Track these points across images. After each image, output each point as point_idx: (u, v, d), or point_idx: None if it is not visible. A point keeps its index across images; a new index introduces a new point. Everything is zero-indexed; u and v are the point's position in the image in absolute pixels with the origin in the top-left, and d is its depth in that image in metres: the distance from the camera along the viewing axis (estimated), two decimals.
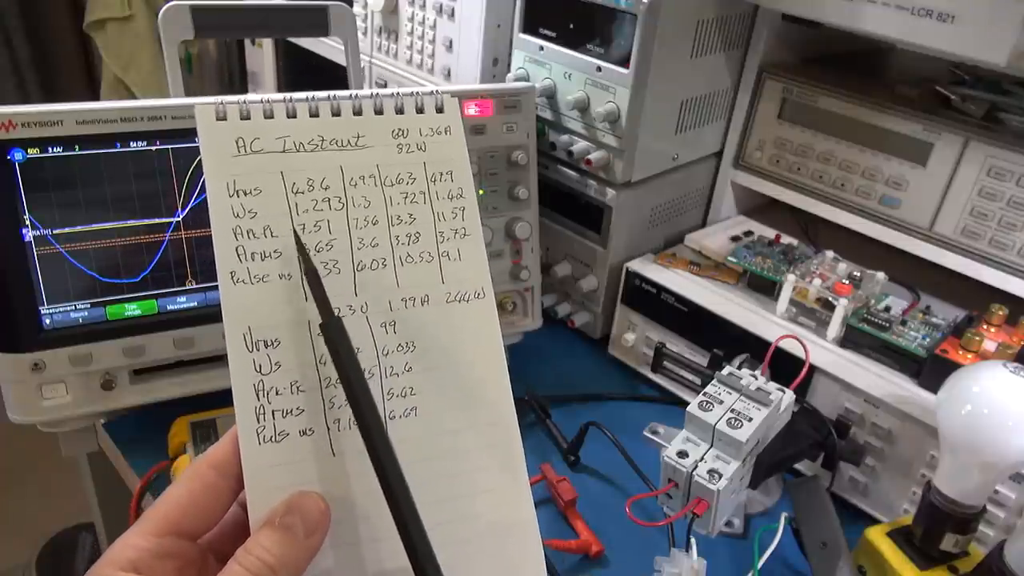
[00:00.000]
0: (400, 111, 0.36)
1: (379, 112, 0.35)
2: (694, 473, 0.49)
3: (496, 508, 0.34)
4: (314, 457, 0.32)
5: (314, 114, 0.34)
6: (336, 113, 0.35)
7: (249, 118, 0.33)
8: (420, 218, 0.35)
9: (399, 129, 0.35)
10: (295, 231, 0.33)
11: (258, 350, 0.31)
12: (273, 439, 0.31)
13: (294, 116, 0.34)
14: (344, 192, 0.34)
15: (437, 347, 0.34)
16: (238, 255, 0.32)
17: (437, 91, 0.37)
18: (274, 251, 0.32)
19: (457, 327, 0.35)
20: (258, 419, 0.31)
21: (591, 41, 0.71)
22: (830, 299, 0.65)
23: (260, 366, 0.31)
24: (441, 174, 0.36)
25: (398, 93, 0.36)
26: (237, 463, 0.31)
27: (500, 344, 0.35)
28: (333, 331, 0.31)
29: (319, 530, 0.30)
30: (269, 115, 0.34)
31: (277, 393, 0.31)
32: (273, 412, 0.31)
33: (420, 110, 0.36)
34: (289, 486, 0.31)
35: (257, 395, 0.31)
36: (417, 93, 0.36)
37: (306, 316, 0.32)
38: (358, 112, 0.35)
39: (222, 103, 0.33)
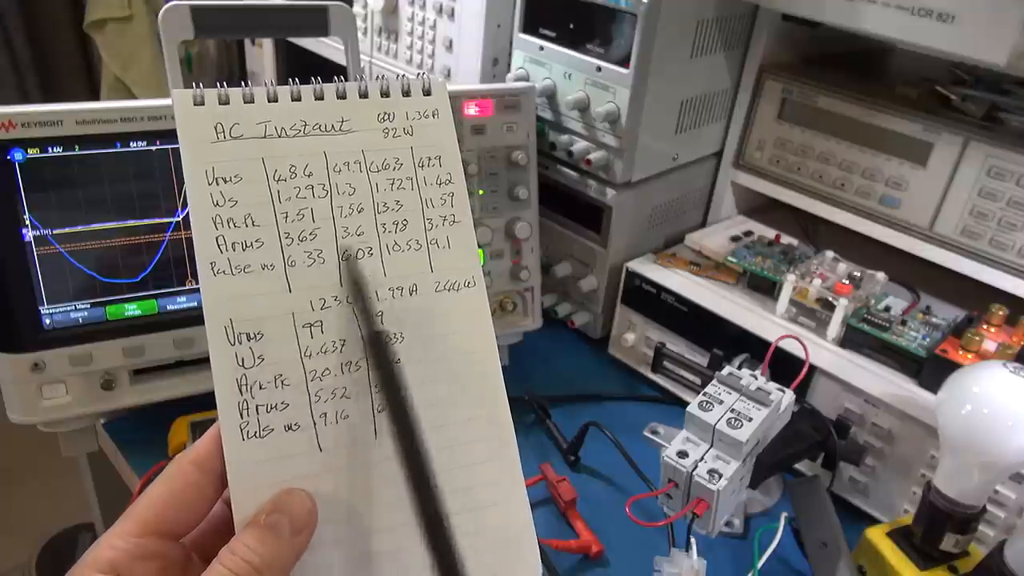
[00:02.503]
0: (386, 94, 0.35)
1: (364, 95, 0.34)
2: (694, 473, 0.49)
3: (491, 501, 0.33)
4: (300, 453, 0.31)
5: (296, 98, 0.33)
6: (319, 97, 0.34)
7: (228, 103, 0.32)
8: (407, 205, 0.34)
9: (385, 113, 0.34)
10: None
11: (240, 343, 0.31)
12: (257, 435, 0.30)
13: (275, 100, 0.33)
14: (328, 178, 0.33)
15: (427, 338, 0.33)
16: (218, 245, 0.31)
17: (424, 73, 0.36)
18: (256, 240, 0.31)
19: (447, 317, 0.34)
20: (241, 414, 0.30)
21: (591, 41, 0.71)
22: (830, 299, 0.65)
23: (243, 360, 0.31)
24: (429, 159, 0.35)
25: (383, 77, 0.35)
26: (220, 460, 0.30)
27: (492, 334, 0.34)
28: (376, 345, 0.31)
29: (306, 529, 0.30)
30: (249, 100, 0.33)
31: (261, 387, 0.31)
32: (257, 407, 0.30)
33: (407, 93, 0.35)
34: (274, 483, 0.30)
35: (240, 390, 0.30)
36: (404, 76, 0.35)
37: (290, 308, 0.32)
38: (342, 96, 0.34)
39: (200, 87, 0.32)
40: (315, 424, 0.31)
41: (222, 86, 0.33)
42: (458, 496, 0.33)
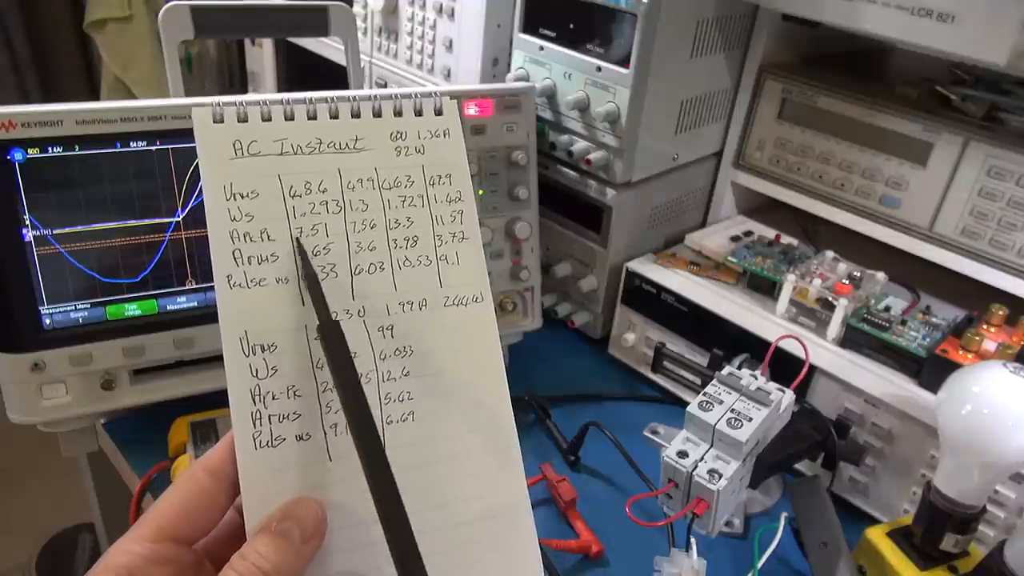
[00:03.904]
0: (398, 113, 0.35)
1: (377, 114, 0.35)
2: (694, 473, 0.49)
3: (494, 514, 0.34)
4: (311, 462, 0.31)
5: (312, 116, 0.34)
6: (334, 115, 0.34)
7: (246, 120, 0.33)
8: (418, 221, 0.35)
9: (397, 132, 0.35)
10: (292, 235, 0.32)
11: (255, 354, 0.31)
12: (270, 444, 0.31)
13: (292, 118, 0.34)
14: (342, 195, 0.34)
15: (435, 352, 0.34)
16: (235, 259, 0.32)
17: (436, 93, 0.36)
18: (271, 255, 0.32)
19: (455, 331, 0.34)
20: (254, 424, 0.31)
21: (591, 41, 0.71)
22: (830, 299, 0.65)
23: (257, 370, 0.31)
24: (439, 177, 0.35)
25: (396, 95, 0.36)
26: (233, 468, 0.31)
27: (498, 349, 0.35)
28: (330, 334, 0.31)
29: (316, 536, 0.30)
30: (266, 117, 0.33)
31: (274, 398, 0.31)
32: (270, 417, 0.31)
33: (419, 112, 0.36)
34: (286, 492, 0.31)
35: (253, 400, 0.31)
36: (415, 95, 0.36)
37: (303, 320, 0.32)
38: (356, 114, 0.35)
39: (219, 105, 0.33)
40: (326, 434, 0.32)
41: (240, 94, 0.33)
42: (461, 507, 0.33)
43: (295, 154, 0.34)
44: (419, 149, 0.35)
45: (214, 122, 0.33)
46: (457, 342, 0.34)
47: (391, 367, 0.33)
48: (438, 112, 0.36)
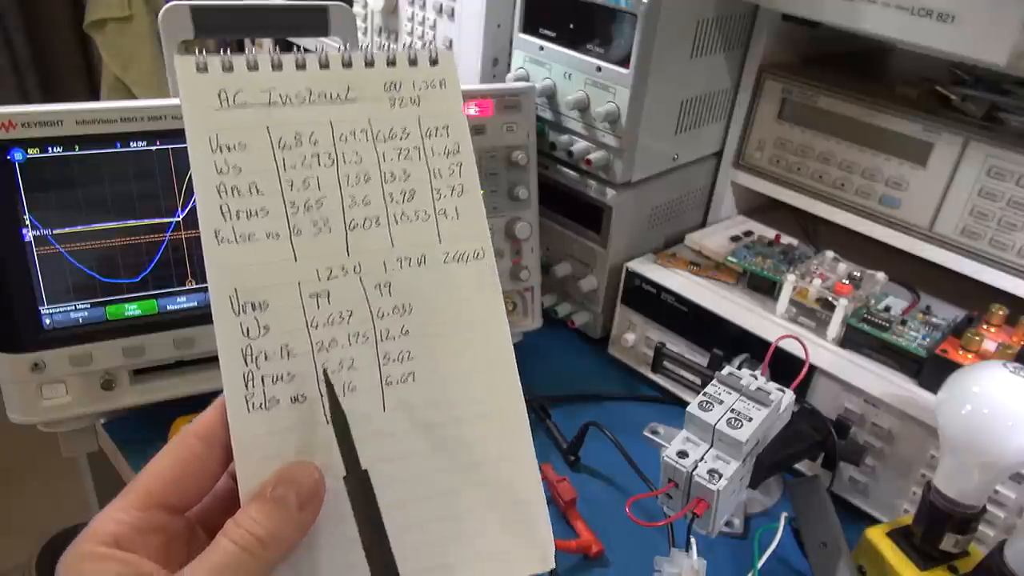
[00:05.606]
0: (392, 63, 0.34)
1: (370, 64, 0.34)
2: (694, 473, 0.49)
3: (501, 475, 0.33)
4: (306, 425, 0.30)
5: (301, 66, 0.33)
6: (324, 65, 0.33)
7: (232, 70, 0.32)
8: (415, 175, 0.33)
9: (391, 82, 0.34)
10: (324, 373, 0.31)
11: (245, 313, 0.30)
12: (263, 406, 0.30)
13: (279, 68, 0.32)
14: (334, 147, 0.33)
15: (435, 309, 0.33)
16: (222, 213, 0.31)
17: (431, 43, 0.35)
18: (261, 209, 0.31)
19: (455, 288, 0.33)
20: (246, 385, 0.30)
21: (591, 41, 0.71)
22: (830, 299, 0.65)
23: (248, 330, 0.30)
24: (436, 129, 0.34)
25: (389, 45, 0.35)
26: (225, 432, 0.30)
27: (501, 305, 0.34)
28: (355, 487, 0.30)
29: (313, 502, 0.29)
30: (253, 67, 0.32)
31: (266, 358, 0.30)
32: (262, 378, 0.30)
33: (413, 62, 0.34)
34: (280, 456, 0.30)
35: (245, 360, 0.30)
36: (410, 45, 0.35)
37: (296, 277, 0.31)
38: (347, 64, 0.33)
39: (203, 54, 0.32)
40: (322, 395, 0.31)
41: (226, 52, 0.32)
42: (468, 470, 0.32)
43: (284, 105, 0.32)
44: (414, 100, 0.34)
45: (198, 71, 0.31)
46: (458, 299, 0.33)
47: (389, 326, 0.32)
48: (434, 62, 0.35)
